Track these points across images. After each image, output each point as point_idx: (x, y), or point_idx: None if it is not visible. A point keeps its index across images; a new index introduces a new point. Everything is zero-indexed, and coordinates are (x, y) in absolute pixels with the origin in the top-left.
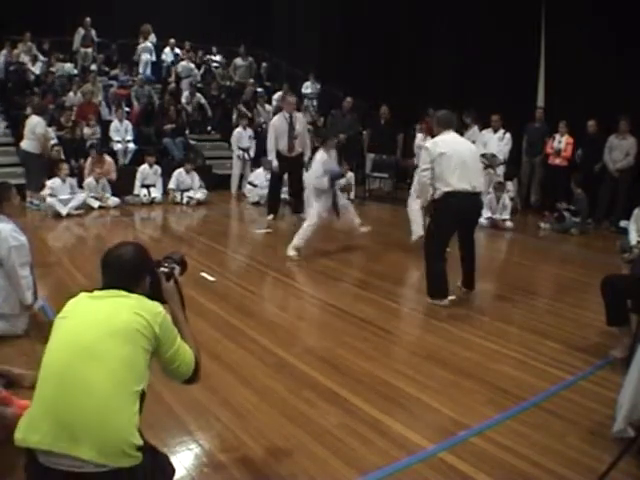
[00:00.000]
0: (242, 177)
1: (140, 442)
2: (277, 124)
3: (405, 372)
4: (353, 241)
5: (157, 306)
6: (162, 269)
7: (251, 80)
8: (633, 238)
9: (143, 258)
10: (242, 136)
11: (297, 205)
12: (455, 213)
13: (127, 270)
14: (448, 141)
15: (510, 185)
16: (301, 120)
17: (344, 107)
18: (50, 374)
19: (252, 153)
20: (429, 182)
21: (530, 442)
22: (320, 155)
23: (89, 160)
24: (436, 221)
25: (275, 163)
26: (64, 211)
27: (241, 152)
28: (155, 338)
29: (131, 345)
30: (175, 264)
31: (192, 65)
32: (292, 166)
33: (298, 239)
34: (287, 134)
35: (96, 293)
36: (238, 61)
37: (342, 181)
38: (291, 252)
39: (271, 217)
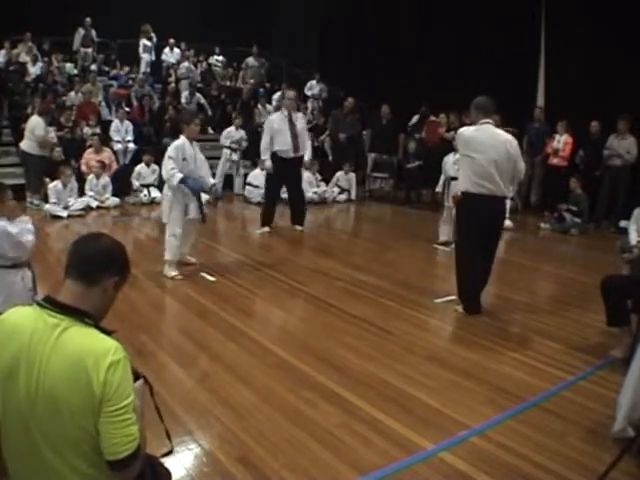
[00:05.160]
0: (233, 178)
1: None
2: (274, 122)
3: (405, 372)
4: (353, 241)
5: (106, 352)
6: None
7: (251, 80)
8: (633, 238)
9: (118, 254)
10: (230, 135)
11: (297, 216)
12: (472, 215)
13: (98, 260)
14: (480, 140)
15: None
16: (301, 119)
17: (345, 107)
18: (13, 454)
19: (239, 155)
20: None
21: (530, 442)
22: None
23: (88, 150)
24: (459, 221)
25: (268, 164)
26: (64, 214)
27: (228, 151)
28: (99, 402)
29: (80, 428)
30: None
31: (192, 66)
32: (292, 169)
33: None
34: (289, 133)
35: (44, 317)
36: (250, 60)
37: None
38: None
39: (266, 230)
